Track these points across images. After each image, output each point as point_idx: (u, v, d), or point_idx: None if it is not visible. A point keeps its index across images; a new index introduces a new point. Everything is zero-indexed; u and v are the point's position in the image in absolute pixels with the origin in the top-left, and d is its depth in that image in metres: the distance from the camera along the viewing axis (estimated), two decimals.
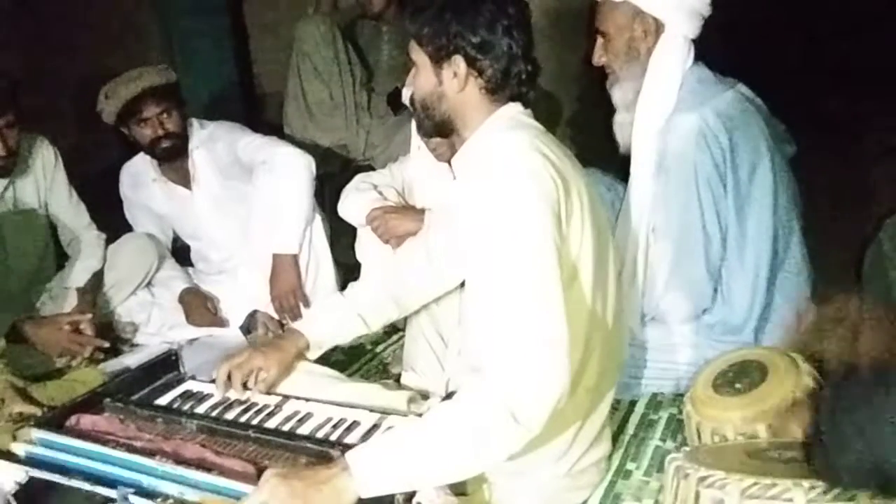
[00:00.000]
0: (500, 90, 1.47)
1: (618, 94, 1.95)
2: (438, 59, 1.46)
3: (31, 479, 1.32)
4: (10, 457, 1.40)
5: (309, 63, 3.26)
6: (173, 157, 2.53)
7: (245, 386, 1.59)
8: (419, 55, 1.49)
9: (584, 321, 1.45)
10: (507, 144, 1.40)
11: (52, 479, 1.31)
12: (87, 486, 1.28)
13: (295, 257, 2.42)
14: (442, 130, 1.54)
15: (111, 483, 1.28)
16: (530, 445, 1.27)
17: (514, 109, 1.49)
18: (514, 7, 1.45)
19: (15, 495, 1.30)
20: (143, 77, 2.40)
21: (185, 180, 2.60)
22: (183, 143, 2.53)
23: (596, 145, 2.21)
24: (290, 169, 2.42)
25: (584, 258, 1.42)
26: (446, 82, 1.46)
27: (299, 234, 2.42)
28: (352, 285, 1.80)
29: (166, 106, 2.44)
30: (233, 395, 1.59)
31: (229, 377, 1.59)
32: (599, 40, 1.94)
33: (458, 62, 1.44)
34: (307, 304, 2.45)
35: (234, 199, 2.58)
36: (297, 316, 2.42)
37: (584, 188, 1.44)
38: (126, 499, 1.25)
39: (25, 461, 1.38)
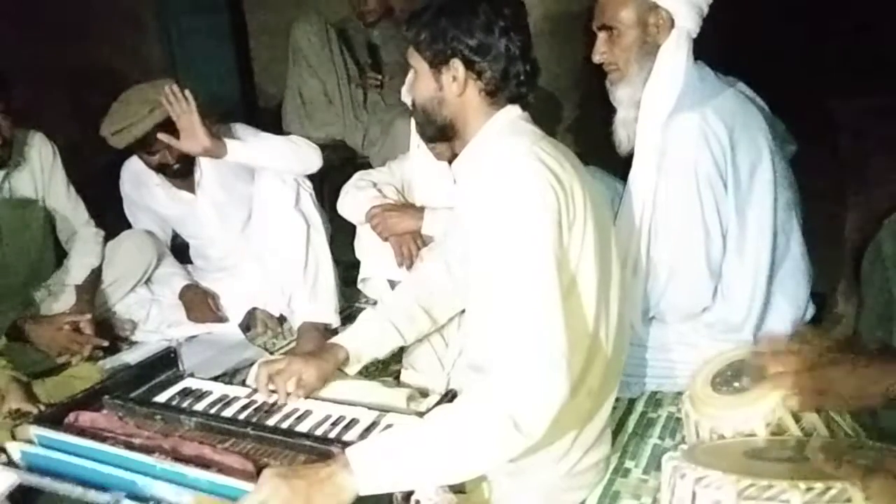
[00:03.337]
0: (499, 92, 1.47)
1: (623, 91, 1.93)
2: (437, 63, 1.46)
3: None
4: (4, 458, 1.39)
5: (303, 60, 3.28)
6: (184, 175, 2.48)
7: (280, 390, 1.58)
8: (418, 61, 1.49)
9: (587, 326, 1.45)
10: (506, 153, 1.39)
11: (43, 485, 1.30)
12: (79, 490, 1.27)
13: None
14: (444, 134, 1.55)
15: (104, 487, 1.27)
16: (531, 447, 1.27)
17: (514, 113, 1.49)
18: (510, 8, 1.45)
19: (9, 496, 1.29)
20: (153, 114, 2.25)
21: (188, 185, 2.56)
22: (191, 160, 2.44)
23: (596, 145, 2.21)
24: (302, 143, 2.41)
25: (585, 263, 1.41)
26: (446, 87, 1.47)
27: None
28: (382, 299, 1.77)
29: (176, 135, 2.29)
30: (261, 397, 1.59)
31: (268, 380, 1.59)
32: (601, 37, 1.92)
33: (457, 66, 1.45)
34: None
35: (237, 202, 2.57)
36: None
37: (586, 190, 1.43)
38: (118, 503, 1.24)
39: (19, 465, 1.37)
